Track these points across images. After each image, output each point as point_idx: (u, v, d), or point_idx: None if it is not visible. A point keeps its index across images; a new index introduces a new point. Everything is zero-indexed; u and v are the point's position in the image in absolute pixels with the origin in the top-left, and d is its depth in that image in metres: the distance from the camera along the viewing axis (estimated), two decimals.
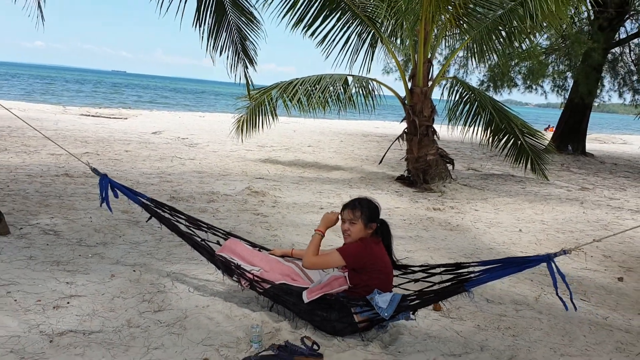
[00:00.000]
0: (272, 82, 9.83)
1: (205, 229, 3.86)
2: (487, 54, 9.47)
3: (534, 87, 17.34)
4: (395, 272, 3.36)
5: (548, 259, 2.68)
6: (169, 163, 9.52)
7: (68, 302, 3.35)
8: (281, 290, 3.25)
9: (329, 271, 3.43)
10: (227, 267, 3.43)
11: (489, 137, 9.66)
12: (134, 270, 3.98)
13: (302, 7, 8.76)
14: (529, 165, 9.82)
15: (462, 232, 6.31)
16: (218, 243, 3.84)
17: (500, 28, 9.02)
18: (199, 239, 3.68)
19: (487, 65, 14.28)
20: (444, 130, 9.76)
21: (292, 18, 8.90)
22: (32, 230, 4.83)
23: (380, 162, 10.81)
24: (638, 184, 11.62)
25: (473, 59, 9.78)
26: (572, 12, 15.41)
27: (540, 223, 7.10)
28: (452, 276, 3.07)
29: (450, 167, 9.51)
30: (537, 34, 12.42)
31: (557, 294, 2.67)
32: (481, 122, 9.52)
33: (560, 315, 3.79)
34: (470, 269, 2.98)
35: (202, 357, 2.81)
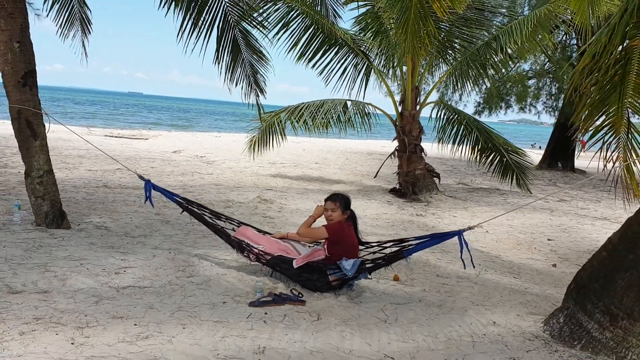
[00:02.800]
0: (285, 101, 11.37)
1: (224, 219, 5.17)
2: (477, 80, 10.73)
3: (527, 107, 18.58)
4: (360, 247, 4.63)
5: (459, 233, 3.94)
6: (190, 177, 10.88)
7: (125, 270, 4.65)
8: (278, 260, 4.53)
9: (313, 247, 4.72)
10: (240, 246, 4.71)
11: (477, 156, 10.82)
12: (170, 252, 5.27)
13: (304, 44, 10.15)
14: (514, 181, 10.89)
15: (435, 231, 7.51)
16: (233, 229, 5.13)
17: (476, 60, 10.28)
18: (219, 227, 4.98)
19: (478, 90, 15.53)
20: (438, 148, 10.94)
21: (297, 54, 10.30)
22: (87, 226, 6.17)
23: (375, 176, 12.09)
24: (615, 197, 12.68)
25: (465, 84, 11.02)
26: (560, 38, 16.69)
27: (508, 226, 8.29)
28: (397, 248, 4.33)
29: (437, 180, 10.74)
30: (520, 60, 13.69)
31: (461, 257, 3.91)
32: (468, 142, 10.70)
33: (492, 286, 5.01)
34: (410, 242, 4.24)
35: (222, 301, 4.08)
